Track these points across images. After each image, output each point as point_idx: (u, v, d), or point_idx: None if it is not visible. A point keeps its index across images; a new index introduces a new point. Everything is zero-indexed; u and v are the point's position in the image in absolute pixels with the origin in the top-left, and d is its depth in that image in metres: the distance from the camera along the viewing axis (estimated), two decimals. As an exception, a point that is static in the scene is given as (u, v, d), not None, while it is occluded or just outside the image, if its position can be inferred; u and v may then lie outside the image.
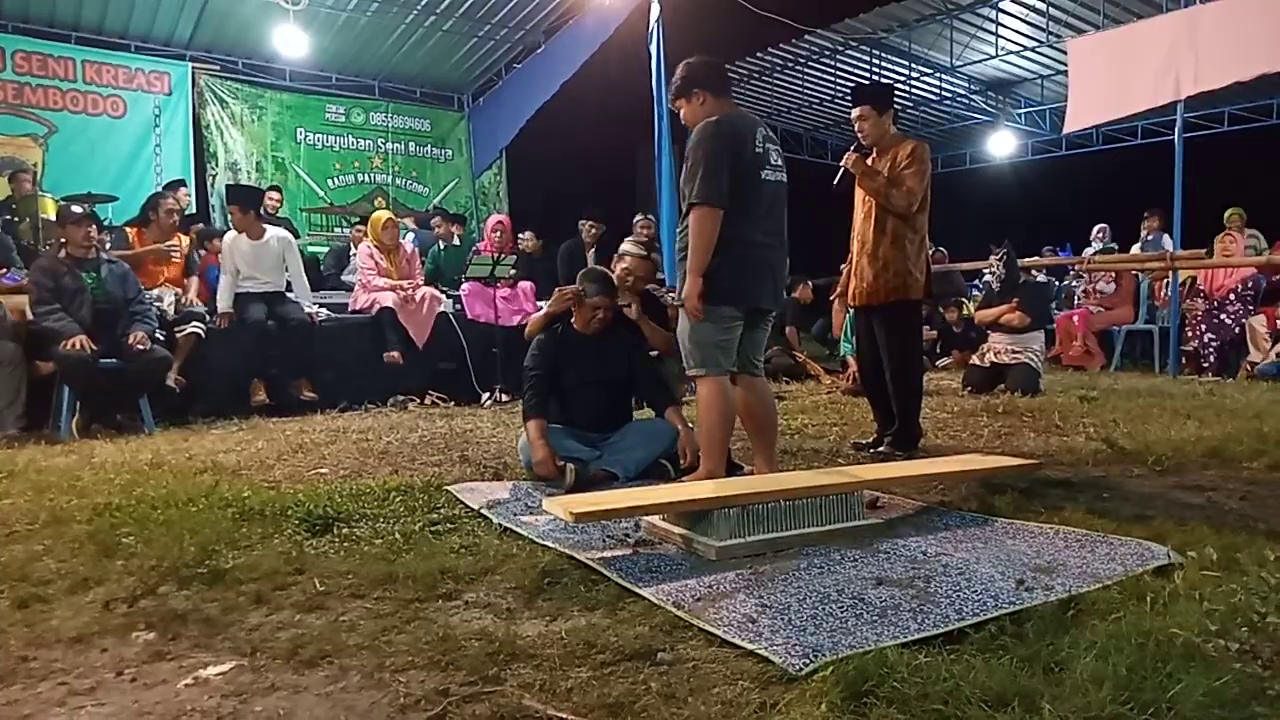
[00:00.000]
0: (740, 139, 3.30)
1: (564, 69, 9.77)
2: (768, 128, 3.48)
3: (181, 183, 8.57)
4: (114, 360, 5.35)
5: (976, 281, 10.99)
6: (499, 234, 7.53)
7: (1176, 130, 8.31)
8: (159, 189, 8.13)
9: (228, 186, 8.75)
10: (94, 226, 5.61)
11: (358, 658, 1.89)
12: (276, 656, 1.91)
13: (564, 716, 1.59)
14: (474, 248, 8.07)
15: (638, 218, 8.80)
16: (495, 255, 7.19)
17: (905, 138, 4.39)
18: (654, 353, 4.41)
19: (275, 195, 9.25)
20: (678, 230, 3.48)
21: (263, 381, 6.31)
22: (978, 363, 6.98)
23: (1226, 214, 9.02)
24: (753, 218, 3.32)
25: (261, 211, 7.07)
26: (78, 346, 5.13)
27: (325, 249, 9.65)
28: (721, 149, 3.25)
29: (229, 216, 6.87)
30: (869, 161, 4.33)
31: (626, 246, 4.41)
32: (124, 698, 1.74)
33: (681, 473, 3.73)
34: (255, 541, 2.79)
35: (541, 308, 7.45)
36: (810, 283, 9.63)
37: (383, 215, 7.53)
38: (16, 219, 6.91)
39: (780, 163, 3.43)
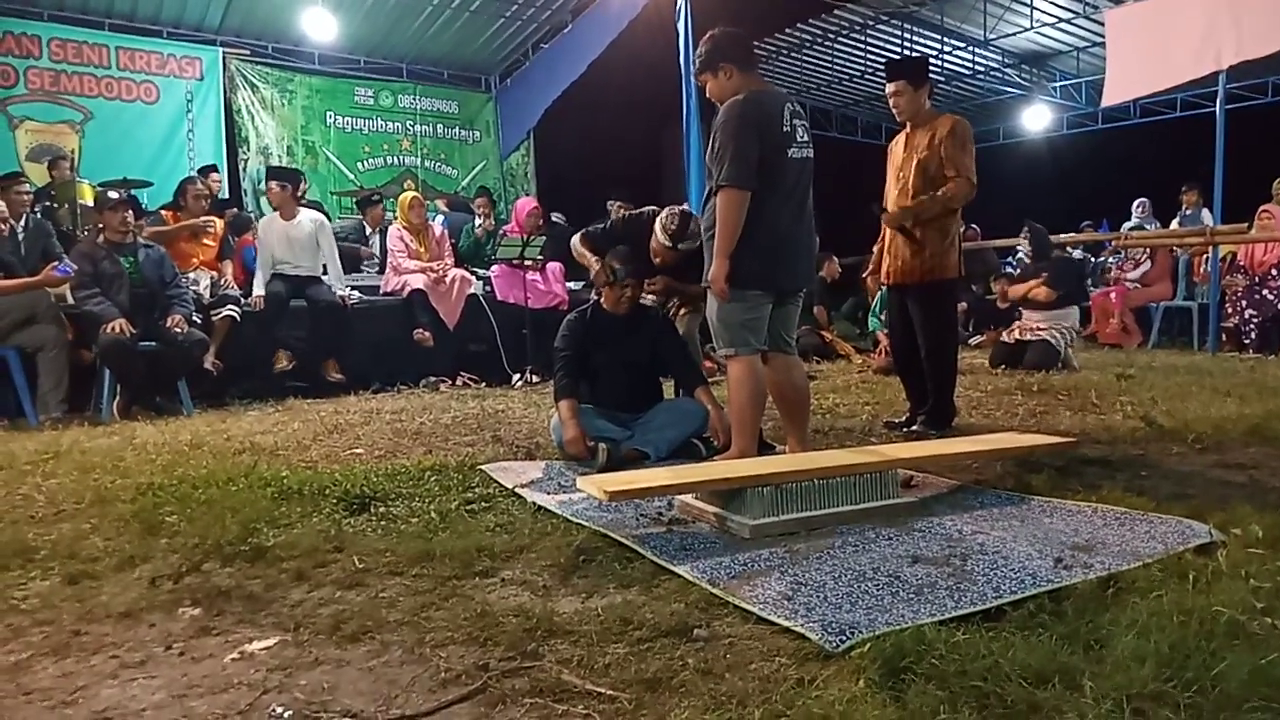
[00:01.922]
0: (768, 118, 3.25)
1: (591, 49, 9.71)
2: (795, 102, 3.42)
3: (214, 168, 8.67)
4: (152, 343, 5.44)
5: (1009, 259, 10.84)
6: (532, 218, 7.53)
7: (1218, 102, 8.12)
8: (193, 173, 8.23)
9: (269, 167, 8.80)
10: (131, 212, 5.70)
11: (398, 633, 1.92)
12: (319, 632, 1.95)
13: (602, 691, 1.61)
14: (502, 229, 8.08)
15: (611, 204, 8.62)
16: (525, 237, 7.20)
17: (942, 113, 4.30)
18: (682, 311, 4.41)
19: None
20: (704, 210, 3.45)
21: (286, 351, 6.38)
22: (1005, 339, 6.95)
23: (1276, 184, 8.78)
24: (780, 197, 3.28)
25: (299, 193, 7.15)
26: (117, 330, 5.23)
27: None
28: (749, 129, 3.21)
29: (266, 196, 6.91)
30: (905, 136, 4.27)
31: (656, 229, 4.15)
32: (173, 671, 1.78)
33: (713, 452, 3.73)
34: (295, 520, 2.84)
35: (571, 289, 7.53)
36: (836, 259, 9.52)
37: (409, 195, 7.55)
38: (55, 205, 7.03)
39: (807, 138, 3.37)
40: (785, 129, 3.27)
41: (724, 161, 3.21)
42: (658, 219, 4.09)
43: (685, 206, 4.05)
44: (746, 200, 3.20)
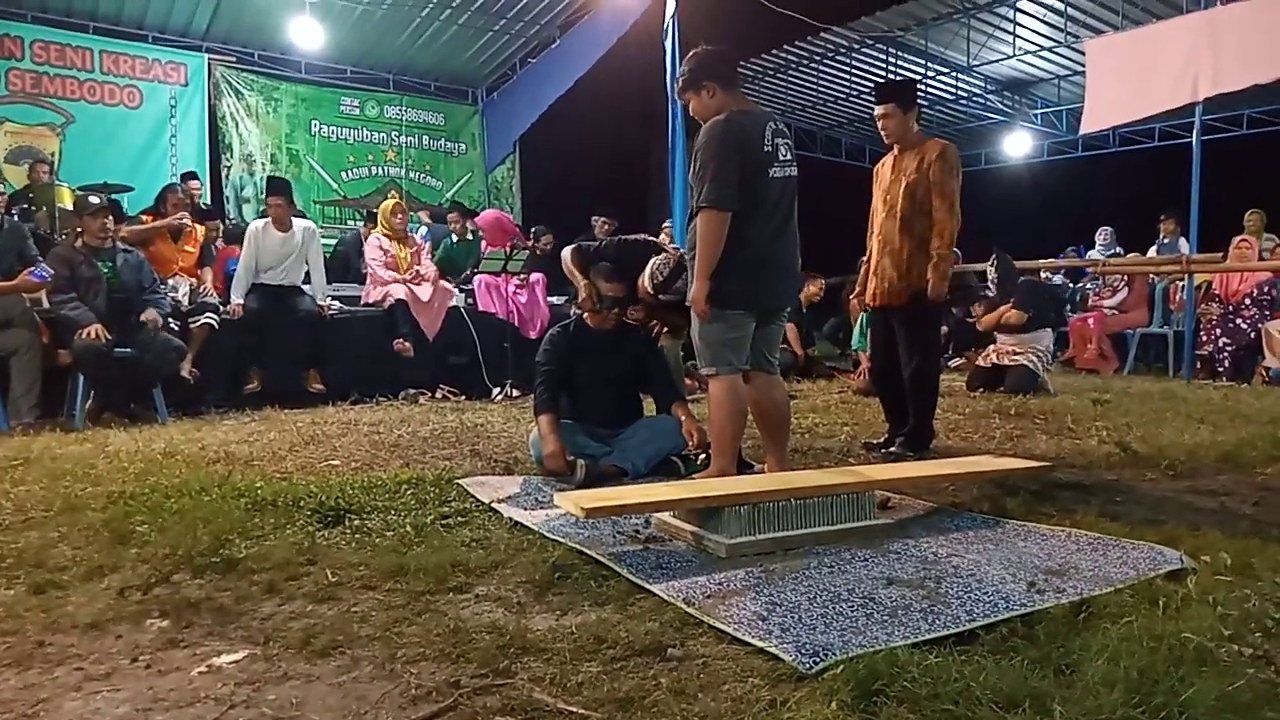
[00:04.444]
0: (748, 138, 3.25)
1: (579, 65, 9.76)
2: (777, 120, 3.41)
3: (194, 174, 8.61)
4: (128, 349, 5.39)
5: (988, 283, 10.93)
6: (503, 232, 7.56)
7: (1194, 132, 8.25)
8: (174, 180, 8.18)
9: (270, 178, 8.73)
10: (111, 218, 5.64)
11: (369, 648, 1.90)
12: (289, 646, 1.92)
13: (574, 710, 1.60)
14: (481, 242, 8.10)
15: (595, 219, 8.65)
16: (507, 250, 7.20)
17: (930, 138, 4.33)
18: (662, 343, 4.40)
19: None
20: (687, 230, 3.45)
21: (259, 370, 6.33)
22: (981, 364, 7.01)
23: (1247, 215, 8.95)
24: (762, 217, 3.29)
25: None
26: (93, 335, 5.17)
27: (334, 240, 9.62)
28: (729, 150, 3.21)
29: (268, 208, 6.79)
30: (893, 159, 4.30)
31: (647, 270, 4.07)
32: (139, 684, 1.76)
33: (692, 470, 3.73)
34: (268, 532, 2.81)
35: (554, 303, 7.53)
36: (821, 280, 9.36)
37: (391, 201, 7.53)
38: (33, 208, 6.96)
39: (789, 156, 3.37)
40: (767, 148, 3.28)
41: (704, 182, 3.21)
42: (651, 261, 4.01)
43: (682, 255, 3.97)
44: (727, 221, 3.20)
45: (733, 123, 3.26)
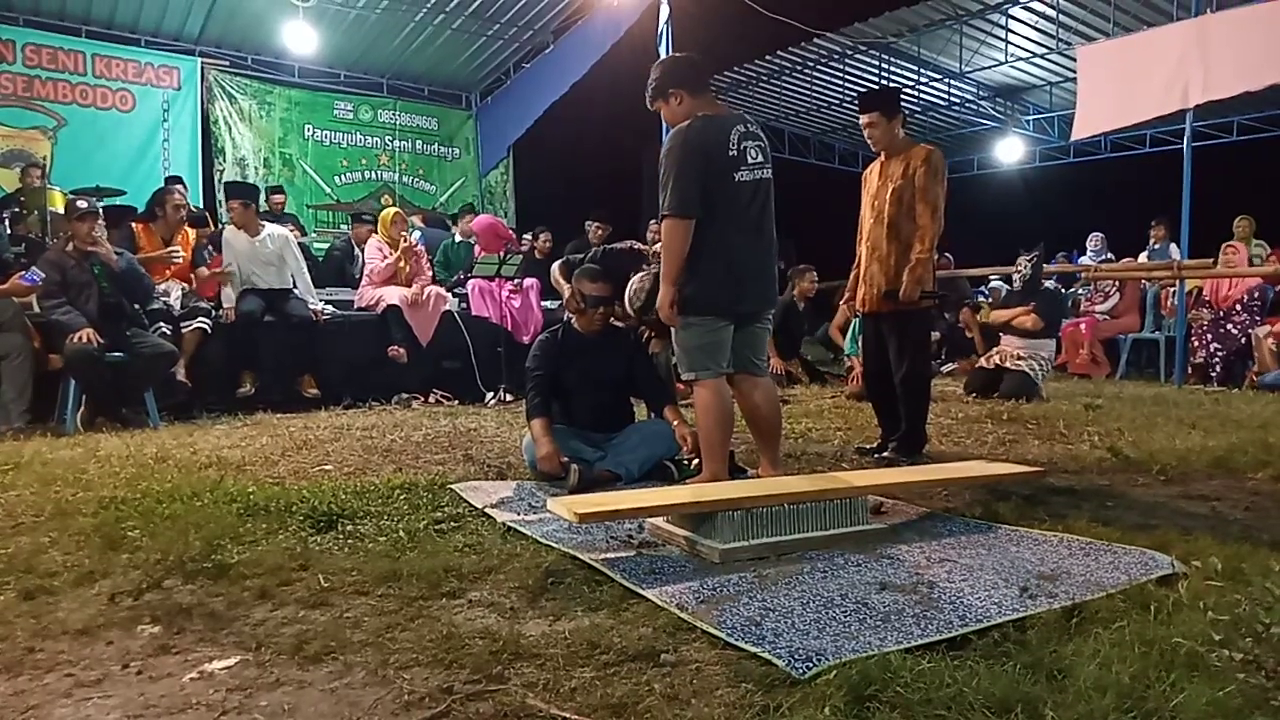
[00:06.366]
0: (711, 144, 3.24)
1: (573, 70, 9.78)
2: (749, 123, 3.38)
3: (179, 179, 8.55)
4: (120, 354, 5.37)
5: (982, 288, 10.98)
6: (496, 238, 7.58)
7: (1185, 139, 8.30)
8: (171, 185, 8.14)
9: (227, 183, 8.75)
10: (99, 222, 5.61)
11: (362, 654, 1.90)
12: (281, 652, 1.92)
13: (567, 716, 1.60)
14: (475, 248, 8.11)
15: (589, 224, 8.64)
16: (500, 255, 7.21)
17: (916, 143, 4.36)
18: (652, 348, 4.41)
19: (279, 198, 9.23)
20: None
21: (250, 373, 6.30)
22: (984, 365, 6.98)
23: (1236, 222, 9.01)
24: (731, 221, 3.27)
25: (261, 208, 7.07)
26: (84, 339, 5.15)
27: (327, 245, 9.62)
28: (691, 156, 3.21)
29: (229, 212, 6.82)
30: (880, 165, 4.32)
31: (627, 295, 4.09)
32: (129, 690, 1.75)
33: (685, 474, 3.73)
34: (260, 537, 2.80)
35: (548, 308, 7.54)
36: (813, 274, 8.78)
37: (390, 211, 7.56)
38: (24, 211, 6.94)
39: (761, 159, 3.33)
40: (732, 152, 3.25)
41: (666, 189, 3.23)
42: (629, 285, 4.00)
43: (657, 271, 3.87)
44: (689, 228, 3.21)
45: (693, 129, 3.26)
